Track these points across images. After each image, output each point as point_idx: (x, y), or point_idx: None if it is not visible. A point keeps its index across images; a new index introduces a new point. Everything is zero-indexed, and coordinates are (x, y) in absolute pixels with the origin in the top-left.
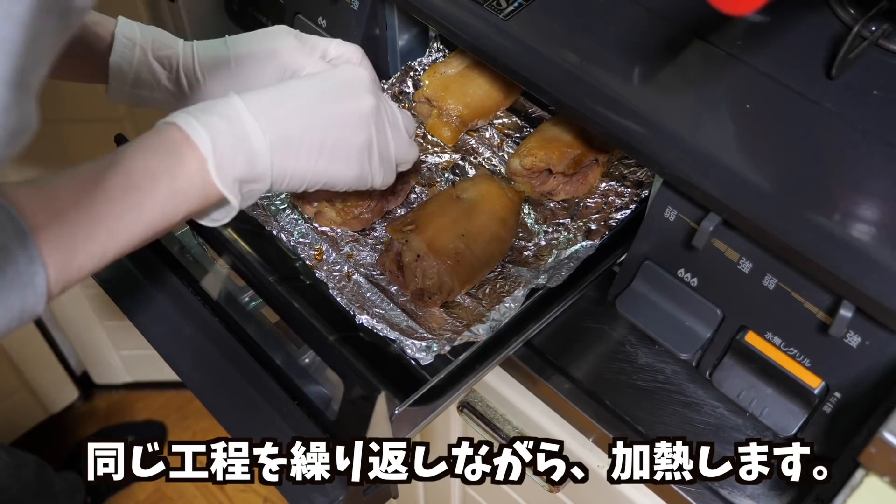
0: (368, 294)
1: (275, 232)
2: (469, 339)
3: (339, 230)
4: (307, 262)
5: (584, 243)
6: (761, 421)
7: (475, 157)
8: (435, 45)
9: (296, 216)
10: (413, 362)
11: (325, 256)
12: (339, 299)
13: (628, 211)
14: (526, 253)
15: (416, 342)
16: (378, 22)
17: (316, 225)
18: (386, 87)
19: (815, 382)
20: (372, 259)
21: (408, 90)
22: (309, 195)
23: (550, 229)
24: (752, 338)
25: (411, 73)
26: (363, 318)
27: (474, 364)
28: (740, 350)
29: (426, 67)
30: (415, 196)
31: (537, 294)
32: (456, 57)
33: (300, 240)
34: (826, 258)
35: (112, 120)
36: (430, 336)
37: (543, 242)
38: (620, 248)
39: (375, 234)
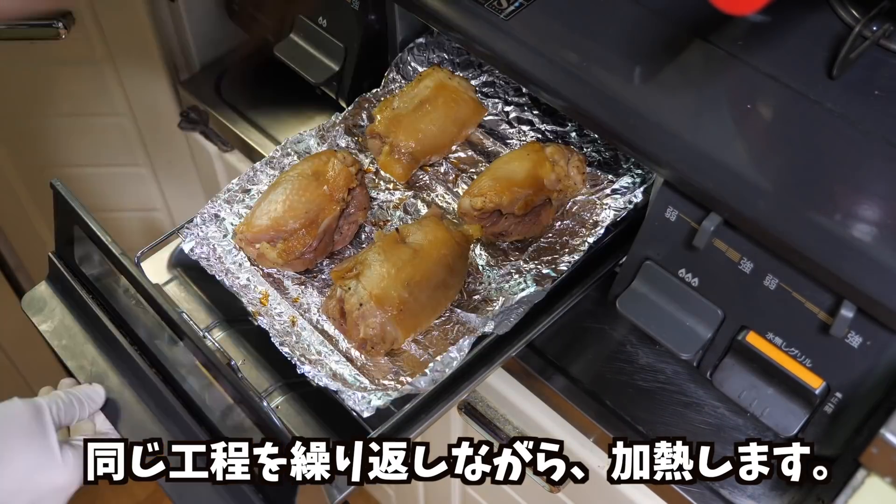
0: (312, 341)
1: (217, 276)
2: (410, 391)
3: (285, 272)
4: (250, 307)
5: (533, 288)
6: (762, 421)
7: (428, 194)
8: (391, 75)
9: (241, 258)
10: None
11: (269, 300)
12: (280, 348)
13: (580, 253)
14: (476, 297)
15: (356, 394)
16: (378, 22)
17: (262, 268)
18: (339, 120)
19: (816, 383)
20: (318, 304)
21: (362, 123)
22: (249, 236)
23: (502, 272)
24: (752, 338)
25: (366, 106)
26: (304, 369)
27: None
28: (741, 350)
29: (382, 99)
30: (365, 235)
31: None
32: (410, 90)
33: (245, 283)
34: (827, 258)
35: (111, 115)
36: (371, 387)
37: (493, 286)
38: (621, 249)
39: (323, 277)
